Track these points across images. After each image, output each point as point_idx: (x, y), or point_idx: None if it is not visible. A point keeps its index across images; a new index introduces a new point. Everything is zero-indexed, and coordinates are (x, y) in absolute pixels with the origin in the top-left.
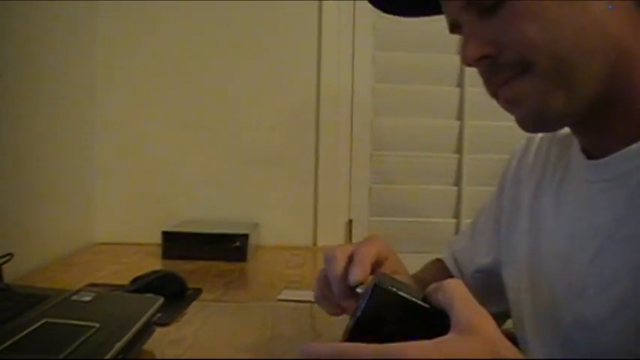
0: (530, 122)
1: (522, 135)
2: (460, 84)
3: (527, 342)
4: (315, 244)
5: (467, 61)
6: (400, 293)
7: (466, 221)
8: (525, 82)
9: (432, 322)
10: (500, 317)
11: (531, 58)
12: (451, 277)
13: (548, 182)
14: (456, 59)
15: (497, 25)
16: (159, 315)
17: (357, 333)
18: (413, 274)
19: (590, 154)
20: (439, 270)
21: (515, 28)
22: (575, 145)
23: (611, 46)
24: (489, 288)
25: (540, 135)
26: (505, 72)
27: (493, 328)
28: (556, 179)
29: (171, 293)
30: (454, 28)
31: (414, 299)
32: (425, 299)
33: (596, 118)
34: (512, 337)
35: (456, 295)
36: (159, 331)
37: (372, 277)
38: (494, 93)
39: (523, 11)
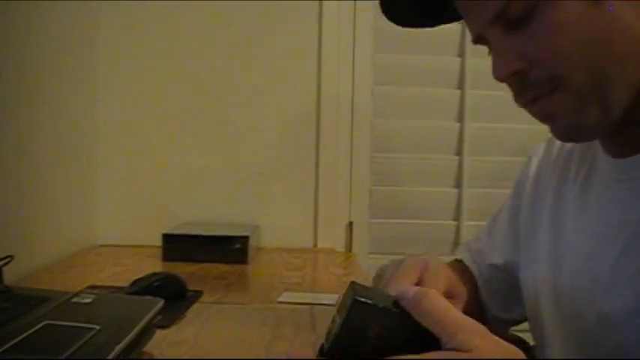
0: (566, 135)
1: (523, 137)
2: (460, 86)
3: (546, 339)
4: (315, 246)
5: (499, 78)
6: (381, 306)
7: (467, 223)
8: (558, 98)
9: (414, 329)
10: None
11: (562, 74)
12: (473, 280)
13: (572, 182)
14: (457, 61)
15: (527, 40)
16: (159, 317)
17: (336, 348)
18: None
19: (615, 153)
20: (464, 274)
21: (545, 42)
22: (599, 144)
23: None
24: (507, 291)
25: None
26: (536, 89)
27: (492, 342)
28: (580, 179)
29: (171, 295)
30: (479, 40)
31: (395, 310)
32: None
33: (626, 120)
34: (516, 341)
35: (439, 316)
36: (159, 334)
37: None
38: (524, 105)
39: (553, 25)
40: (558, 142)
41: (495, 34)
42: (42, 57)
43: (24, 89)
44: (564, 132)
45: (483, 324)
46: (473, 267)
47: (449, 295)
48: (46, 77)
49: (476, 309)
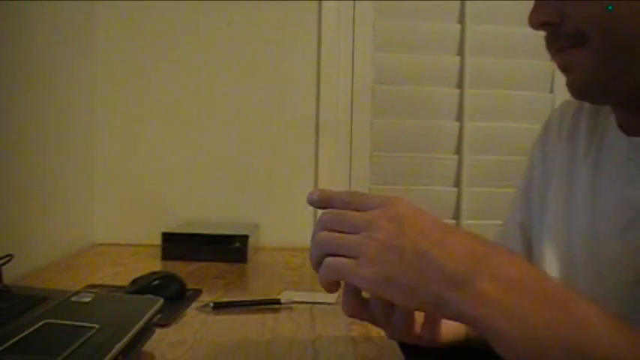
0: (577, 90)
1: (523, 135)
2: (460, 85)
3: None
4: None
5: (531, 24)
6: None
7: (466, 222)
8: (578, 53)
9: None
10: None
11: (588, 33)
12: None
13: (582, 157)
14: (456, 60)
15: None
16: (158, 316)
17: None
18: None
19: (628, 131)
20: None
21: (580, 2)
22: (611, 120)
23: None
24: None
25: (561, 109)
26: (562, 41)
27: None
28: (591, 154)
29: (170, 294)
30: None
31: None
32: None
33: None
34: None
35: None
36: (158, 333)
37: None
38: (551, 54)
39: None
40: (557, 117)
41: None
42: (40, 57)
43: (22, 89)
44: (577, 86)
45: None
46: None
47: None
48: (44, 77)
49: None
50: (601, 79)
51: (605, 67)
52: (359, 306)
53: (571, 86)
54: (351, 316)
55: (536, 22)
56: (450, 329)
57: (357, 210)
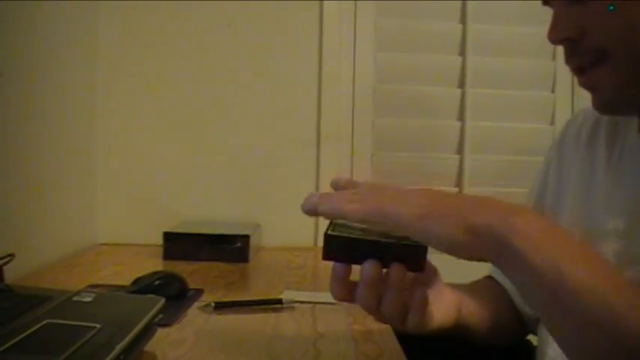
0: (603, 108)
1: (525, 135)
2: (461, 85)
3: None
4: (316, 244)
5: (551, 40)
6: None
7: None
8: (601, 71)
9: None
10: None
11: (609, 50)
12: (499, 295)
13: (604, 164)
14: (458, 60)
15: (585, 13)
16: (160, 316)
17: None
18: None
19: None
20: (487, 288)
21: (600, 18)
22: (634, 126)
23: None
24: None
25: (581, 116)
26: (583, 57)
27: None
28: (613, 159)
29: (172, 294)
30: (547, 2)
31: (367, 238)
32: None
33: None
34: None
35: None
36: (160, 332)
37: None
38: (572, 70)
39: (611, 4)
40: (578, 123)
41: (559, 1)
42: (42, 57)
43: (24, 90)
44: (602, 105)
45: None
46: (500, 276)
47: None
48: (46, 77)
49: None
50: (627, 95)
51: (631, 82)
52: (347, 289)
53: (597, 104)
54: (341, 300)
55: (557, 38)
56: (438, 316)
57: None
